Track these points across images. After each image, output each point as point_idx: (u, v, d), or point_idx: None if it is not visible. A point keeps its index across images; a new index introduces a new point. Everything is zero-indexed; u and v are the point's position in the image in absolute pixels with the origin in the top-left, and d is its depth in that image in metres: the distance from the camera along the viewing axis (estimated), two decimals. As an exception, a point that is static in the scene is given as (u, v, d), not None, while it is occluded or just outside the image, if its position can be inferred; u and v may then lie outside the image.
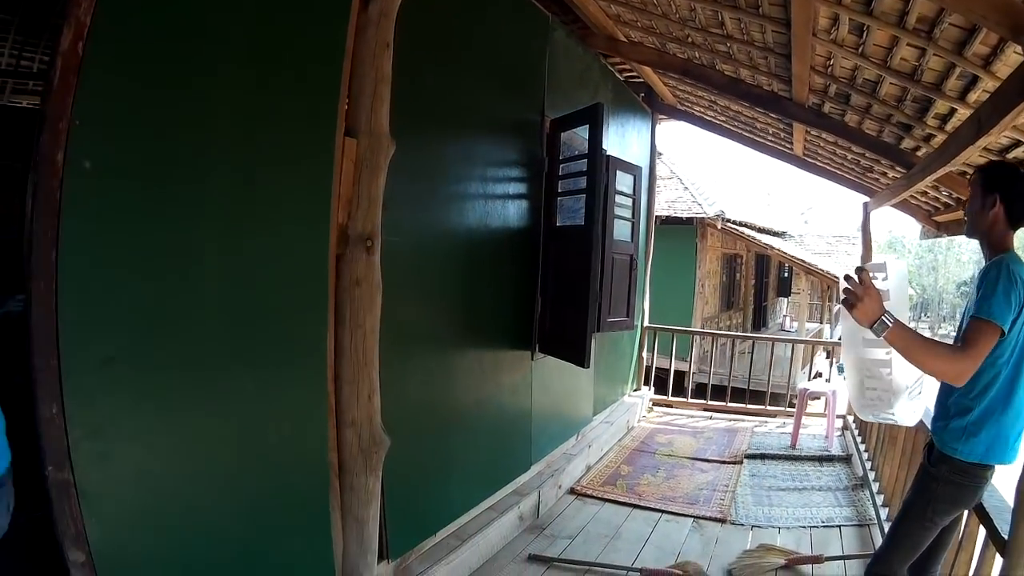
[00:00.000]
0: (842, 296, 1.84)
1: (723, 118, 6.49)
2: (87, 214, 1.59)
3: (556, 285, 3.95)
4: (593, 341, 3.84)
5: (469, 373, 3.40)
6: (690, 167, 14.46)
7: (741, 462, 5.14)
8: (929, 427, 2.18)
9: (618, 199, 4.23)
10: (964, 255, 47.02)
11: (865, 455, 4.71)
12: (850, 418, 5.93)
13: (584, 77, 4.79)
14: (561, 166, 4.05)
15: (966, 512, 2.20)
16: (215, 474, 1.96)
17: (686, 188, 11.63)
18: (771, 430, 6.27)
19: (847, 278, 1.82)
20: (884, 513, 3.57)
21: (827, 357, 13.75)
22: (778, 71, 4.17)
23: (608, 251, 4.00)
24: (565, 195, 4.04)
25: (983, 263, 2.03)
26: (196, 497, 1.90)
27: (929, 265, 49.87)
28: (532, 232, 3.92)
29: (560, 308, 3.92)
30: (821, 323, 17.37)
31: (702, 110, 6.65)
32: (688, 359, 9.40)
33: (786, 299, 18.58)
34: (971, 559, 2.28)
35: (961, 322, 2.12)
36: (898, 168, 4.50)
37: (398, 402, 2.71)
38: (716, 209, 10.77)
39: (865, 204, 5.95)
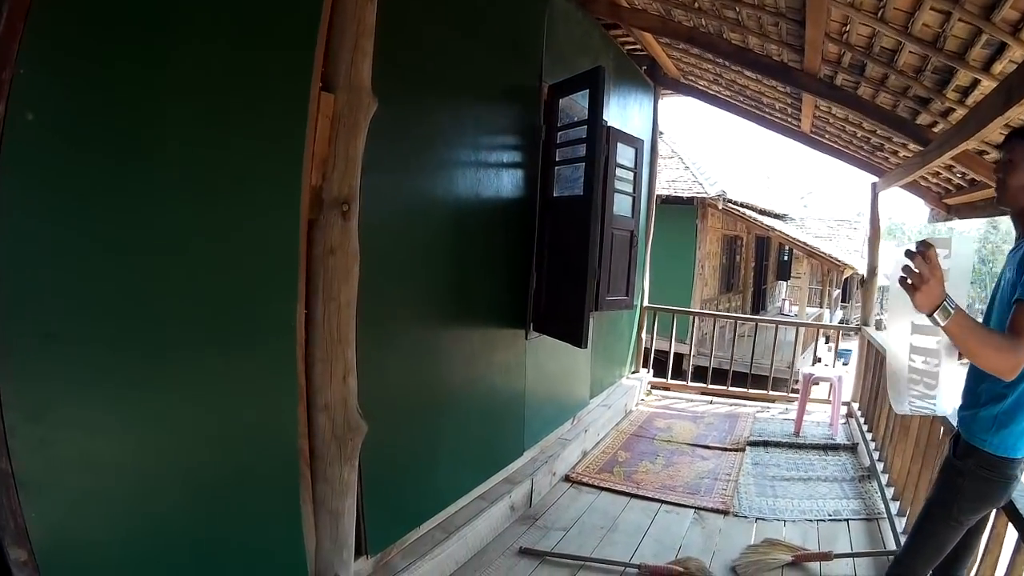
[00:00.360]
0: (900, 274, 1.59)
1: (728, 93, 6.27)
2: (29, 171, 1.41)
3: (553, 259, 3.77)
4: (591, 320, 3.67)
5: (457, 352, 3.22)
6: (691, 147, 14.32)
7: (743, 449, 4.98)
8: (954, 416, 2.02)
9: (619, 172, 4.03)
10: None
11: (872, 444, 4.56)
12: (855, 405, 5.79)
13: (584, 44, 4.57)
14: (559, 134, 3.85)
15: (993, 511, 2.03)
16: (171, 464, 1.77)
17: (687, 167, 11.50)
18: (773, 416, 6.12)
19: (909, 254, 1.55)
20: (894, 507, 3.41)
21: (827, 342, 13.81)
22: (789, 39, 3.96)
23: (608, 225, 3.81)
24: (563, 164, 3.84)
25: (994, 248, 1.83)
26: (150, 489, 1.71)
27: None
28: (527, 203, 3.73)
29: (557, 284, 3.73)
30: (821, 307, 17.32)
31: (706, 84, 6.43)
32: (688, 341, 9.30)
33: (785, 283, 18.58)
34: (996, 563, 2.12)
35: (991, 305, 1.93)
36: (911, 146, 4.33)
37: (377, 383, 2.52)
38: (717, 189, 10.65)
39: (874, 184, 5.81)
